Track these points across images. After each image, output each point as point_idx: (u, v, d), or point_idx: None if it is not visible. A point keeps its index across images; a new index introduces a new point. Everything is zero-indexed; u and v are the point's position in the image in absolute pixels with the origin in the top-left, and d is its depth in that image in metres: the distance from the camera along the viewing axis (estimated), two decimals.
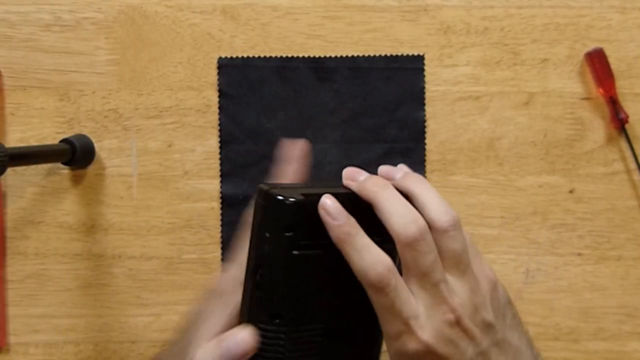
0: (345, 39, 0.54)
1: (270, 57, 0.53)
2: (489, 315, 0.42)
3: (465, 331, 0.42)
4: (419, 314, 0.41)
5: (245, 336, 0.41)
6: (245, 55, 0.53)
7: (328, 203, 0.39)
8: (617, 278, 0.54)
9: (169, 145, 0.54)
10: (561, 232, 0.54)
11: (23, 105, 0.53)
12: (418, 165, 0.54)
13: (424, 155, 0.54)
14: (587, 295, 0.54)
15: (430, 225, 0.41)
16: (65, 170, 0.53)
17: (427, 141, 0.54)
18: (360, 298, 0.40)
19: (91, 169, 0.54)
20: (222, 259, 0.53)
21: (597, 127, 0.54)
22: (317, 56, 0.53)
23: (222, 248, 0.53)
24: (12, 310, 0.53)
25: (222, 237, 0.53)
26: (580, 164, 0.54)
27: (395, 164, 0.53)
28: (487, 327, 0.42)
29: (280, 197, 0.39)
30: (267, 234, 0.39)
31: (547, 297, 0.54)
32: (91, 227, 0.53)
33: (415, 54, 0.54)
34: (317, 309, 0.41)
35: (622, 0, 0.54)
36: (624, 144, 0.54)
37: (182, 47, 0.53)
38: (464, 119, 0.54)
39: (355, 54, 0.54)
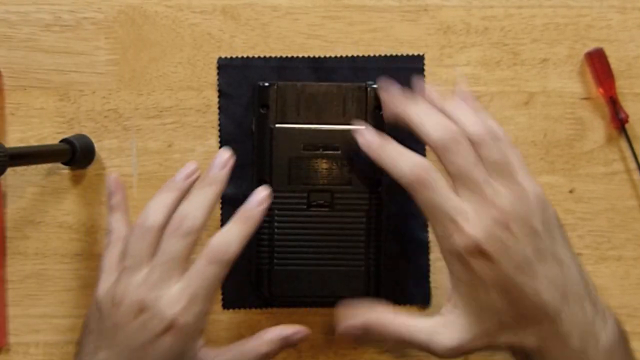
0: (345, 39, 0.54)
1: (270, 57, 0.53)
2: (536, 223, 0.43)
3: (512, 233, 0.42)
4: (467, 212, 0.43)
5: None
6: (245, 55, 0.53)
7: (361, 130, 0.46)
8: (617, 278, 0.54)
9: (169, 145, 0.54)
10: None
11: (23, 105, 0.53)
12: None
13: (424, 155, 0.54)
14: None
15: (469, 139, 0.44)
16: (65, 170, 0.53)
17: None
18: (342, 177, 0.50)
19: (91, 169, 0.54)
20: None
21: (597, 127, 0.54)
22: (317, 56, 0.54)
23: None
24: (12, 310, 0.53)
25: None
26: (580, 164, 0.54)
27: None
28: (534, 234, 0.43)
29: (257, 83, 0.51)
30: (253, 114, 0.51)
31: None
32: (91, 227, 0.53)
33: (415, 54, 0.54)
34: (301, 178, 0.50)
35: (622, 0, 0.54)
36: (624, 144, 0.54)
37: (182, 47, 0.53)
38: None
39: (355, 54, 0.54)
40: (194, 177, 0.48)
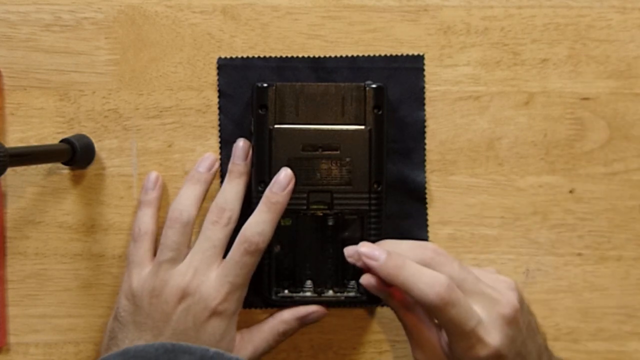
0: (345, 39, 0.54)
1: (270, 57, 0.53)
2: (525, 307, 0.46)
3: (519, 329, 0.44)
4: (482, 319, 0.44)
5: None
6: (245, 56, 0.53)
7: (371, 253, 0.45)
8: (617, 278, 0.54)
9: (169, 145, 0.54)
10: (561, 232, 0.54)
11: (23, 105, 0.53)
12: (418, 165, 0.54)
13: (424, 155, 0.54)
14: (587, 295, 0.54)
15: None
16: (65, 170, 0.53)
17: (427, 141, 0.54)
18: (340, 173, 0.50)
19: (91, 169, 0.54)
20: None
21: (597, 127, 0.54)
22: (317, 56, 0.54)
23: None
24: (12, 310, 0.53)
25: None
26: (580, 164, 0.54)
27: (395, 164, 0.54)
28: (528, 328, 0.46)
29: (256, 84, 0.50)
30: (252, 115, 0.50)
31: (547, 297, 0.54)
32: (91, 227, 0.53)
33: (415, 54, 0.54)
34: (300, 178, 0.49)
35: (622, 0, 0.54)
36: (624, 143, 0.54)
37: (182, 47, 0.53)
38: (464, 119, 0.54)
39: (355, 54, 0.54)
40: (215, 168, 0.52)
